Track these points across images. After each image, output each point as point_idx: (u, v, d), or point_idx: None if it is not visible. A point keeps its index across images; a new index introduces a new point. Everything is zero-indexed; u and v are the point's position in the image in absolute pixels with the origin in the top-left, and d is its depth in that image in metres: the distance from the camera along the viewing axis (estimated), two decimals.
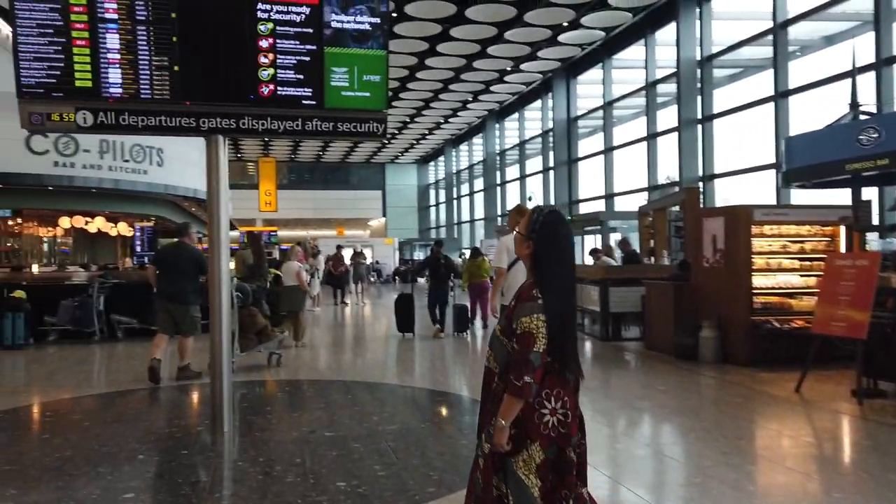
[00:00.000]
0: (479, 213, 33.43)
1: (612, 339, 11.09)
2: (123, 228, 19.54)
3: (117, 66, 4.92)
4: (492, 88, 25.47)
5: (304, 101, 5.26)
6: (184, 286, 7.76)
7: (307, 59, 5.23)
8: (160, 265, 7.98)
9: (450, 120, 31.10)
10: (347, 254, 21.97)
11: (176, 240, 8.13)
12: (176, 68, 5.00)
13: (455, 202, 37.73)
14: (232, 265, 17.68)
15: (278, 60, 5.18)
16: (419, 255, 35.44)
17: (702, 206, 13.36)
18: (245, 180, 40.55)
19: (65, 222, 17.43)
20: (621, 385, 7.91)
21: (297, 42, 5.20)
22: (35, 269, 12.65)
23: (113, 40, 4.89)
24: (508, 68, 22.79)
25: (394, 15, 17.86)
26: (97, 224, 17.83)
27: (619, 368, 9.08)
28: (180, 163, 15.12)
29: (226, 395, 5.43)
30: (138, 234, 17.85)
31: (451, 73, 23.09)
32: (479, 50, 20.52)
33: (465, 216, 36.03)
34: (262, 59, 5.15)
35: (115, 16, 4.88)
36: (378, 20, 5.32)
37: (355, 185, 43.89)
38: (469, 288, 12.76)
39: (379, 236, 42.21)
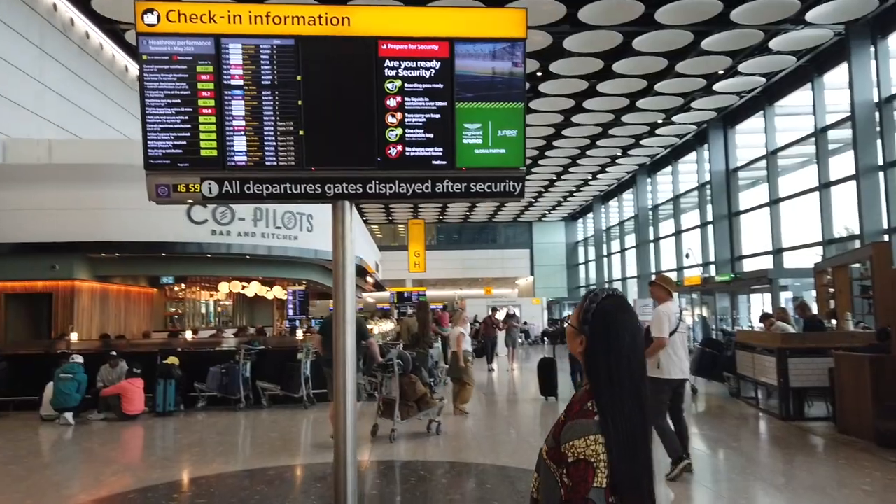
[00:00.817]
0: (632, 270, 31.92)
1: (793, 418, 9.61)
2: (278, 292, 20.26)
3: (242, 133, 4.71)
4: (642, 142, 24.45)
5: (433, 162, 4.80)
6: None
7: (437, 116, 4.78)
8: (325, 332, 8.19)
9: (598, 176, 30.22)
10: (497, 316, 21.33)
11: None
12: (301, 133, 4.72)
13: (605, 260, 36.39)
14: (392, 326, 17.76)
15: (407, 119, 4.77)
16: (568, 314, 34.28)
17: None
18: (396, 242, 41.66)
19: (224, 287, 18.30)
20: (812, 481, 6.60)
21: (427, 99, 4.78)
22: (188, 335, 13.15)
23: (238, 107, 4.71)
24: (660, 121, 21.76)
25: (538, 74, 17.61)
26: (253, 288, 18.56)
27: (805, 456, 7.70)
28: (329, 228, 15.41)
29: (350, 487, 4.91)
30: (290, 297, 18.38)
31: (598, 129, 22.41)
32: (628, 104, 19.75)
33: (617, 274, 34.57)
34: (390, 119, 4.77)
35: (241, 82, 4.70)
36: (515, 70, 4.80)
37: (502, 244, 43.65)
38: None
39: (527, 296, 41.46)
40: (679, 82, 17.99)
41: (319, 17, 4.72)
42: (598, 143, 24.09)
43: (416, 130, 4.78)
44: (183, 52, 4.67)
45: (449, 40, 4.77)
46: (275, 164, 4.74)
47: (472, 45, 4.77)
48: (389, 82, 4.76)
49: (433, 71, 4.77)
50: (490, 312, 19.61)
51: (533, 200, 35.46)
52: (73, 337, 12.21)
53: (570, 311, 33.44)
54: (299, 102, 4.72)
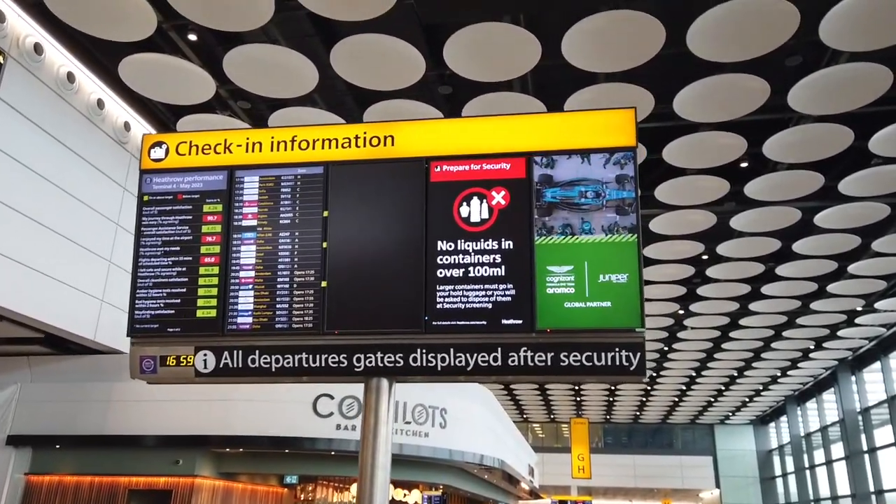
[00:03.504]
0: (843, 487, 26.50)
1: None
2: (417, 496, 18.39)
3: (249, 287, 3.55)
4: (839, 333, 21.04)
5: (504, 321, 3.30)
6: None
7: (508, 256, 3.37)
8: None
9: (789, 373, 26.36)
10: None
11: None
12: (324, 284, 3.47)
13: (808, 472, 30.82)
14: None
15: (465, 261, 3.40)
16: None
17: None
18: (559, 443, 38.56)
19: (354, 489, 16.82)
20: None
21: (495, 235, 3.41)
22: None
23: (248, 253, 3.59)
24: (859, 308, 18.57)
25: (704, 257, 15.78)
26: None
27: None
28: (467, 424, 13.85)
29: None
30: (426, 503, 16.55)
31: (782, 318, 19.57)
32: (816, 289, 17.07)
33: (825, 491, 28.89)
34: (441, 260, 3.41)
35: (254, 222, 3.62)
36: (622, 190, 3.35)
37: (679, 450, 38.83)
38: None
39: None
40: (878, 262, 15.31)
41: (356, 137, 3.63)
42: (784, 333, 21.06)
43: (479, 278, 3.37)
44: (190, 189, 3.72)
45: (525, 155, 3.44)
46: (286, 326, 3.47)
47: (557, 161, 3.42)
48: None
49: (503, 195, 3.43)
50: None
51: (713, 399, 31.67)
52: None
53: None
54: (324, 245, 3.52)
